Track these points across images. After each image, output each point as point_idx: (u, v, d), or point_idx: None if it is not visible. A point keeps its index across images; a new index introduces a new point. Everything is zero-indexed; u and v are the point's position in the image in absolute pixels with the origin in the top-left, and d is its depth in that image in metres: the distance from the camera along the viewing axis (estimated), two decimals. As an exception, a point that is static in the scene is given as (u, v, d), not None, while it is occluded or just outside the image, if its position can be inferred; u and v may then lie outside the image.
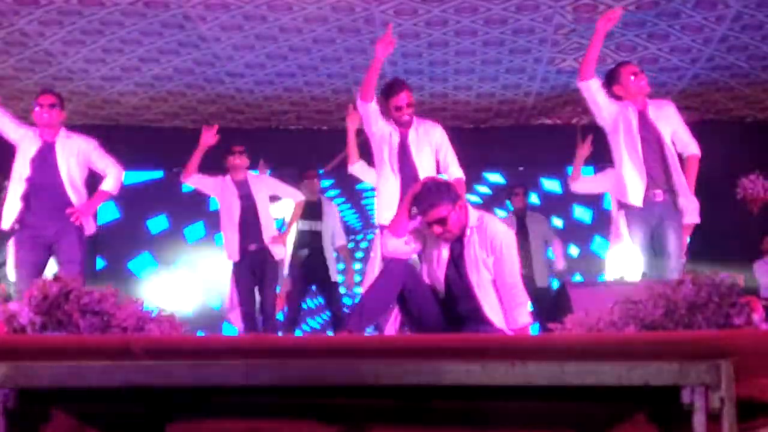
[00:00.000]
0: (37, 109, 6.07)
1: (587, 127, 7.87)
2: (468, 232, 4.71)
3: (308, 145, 9.46)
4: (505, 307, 4.70)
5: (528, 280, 8.23)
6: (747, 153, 8.90)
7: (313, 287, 8.49)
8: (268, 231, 7.41)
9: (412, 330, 4.80)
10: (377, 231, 5.94)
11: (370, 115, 5.74)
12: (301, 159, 8.97)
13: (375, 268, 5.75)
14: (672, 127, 5.69)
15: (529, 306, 4.83)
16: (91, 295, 3.38)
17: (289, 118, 9.88)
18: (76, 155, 6.12)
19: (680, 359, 2.75)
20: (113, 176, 6.24)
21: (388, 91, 5.83)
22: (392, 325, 5.46)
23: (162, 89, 8.94)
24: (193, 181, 7.46)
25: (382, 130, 5.79)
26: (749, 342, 2.93)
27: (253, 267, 7.40)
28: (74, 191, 6.02)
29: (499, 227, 4.80)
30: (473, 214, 4.77)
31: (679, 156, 5.75)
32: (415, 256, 5.10)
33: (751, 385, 2.83)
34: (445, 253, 4.75)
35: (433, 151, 5.82)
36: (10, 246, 6.18)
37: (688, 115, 9.33)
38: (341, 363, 2.83)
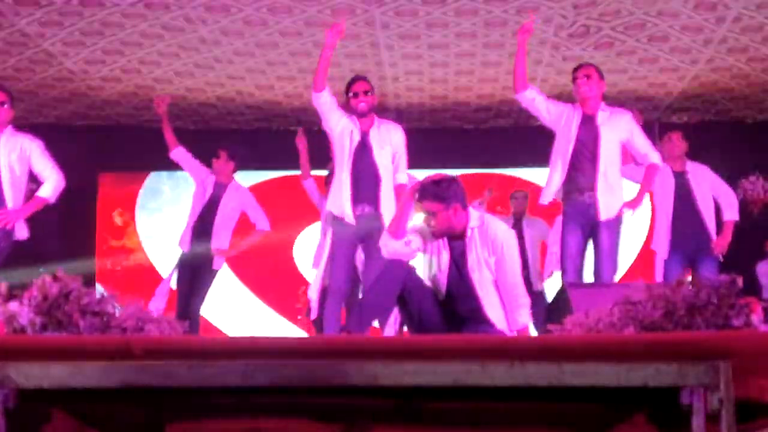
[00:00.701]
0: None
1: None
2: (469, 232, 4.73)
3: (309, 146, 9.45)
4: (505, 307, 4.71)
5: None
6: (747, 154, 8.91)
7: None
8: (218, 240, 7.30)
9: (412, 331, 4.81)
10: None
11: (323, 105, 5.76)
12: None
13: (322, 266, 5.82)
14: (623, 136, 5.75)
15: (528, 306, 4.84)
16: (91, 295, 3.38)
17: (289, 120, 9.89)
18: (18, 153, 5.92)
19: (679, 360, 2.75)
20: (52, 183, 6.00)
21: (348, 83, 5.91)
22: (392, 325, 5.47)
23: (162, 92, 8.96)
24: (178, 155, 7.45)
25: (341, 125, 5.79)
26: (748, 343, 2.94)
27: (192, 267, 7.34)
28: (12, 190, 5.86)
29: (501, 227, 4.82)
30: (474, 214, 4.78)
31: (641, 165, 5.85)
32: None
33: (750, 386, 2.84)
34: (445, 254, 4.76)
35: (393, 152, 5.84)
36: None
37: (689, 116, 9.41)
38: (340, 363, 2.83)
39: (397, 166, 5.88)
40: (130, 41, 7.79)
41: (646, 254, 8.27)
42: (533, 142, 9.90)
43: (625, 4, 7.04)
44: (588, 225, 5.71)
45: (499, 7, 7.03)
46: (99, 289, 7.82)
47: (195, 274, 7.31)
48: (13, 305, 3.31)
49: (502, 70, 8.45)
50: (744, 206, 7.33)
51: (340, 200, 5.72)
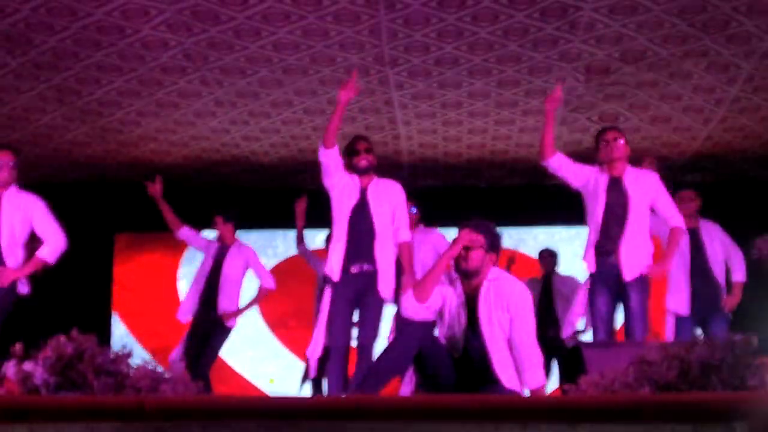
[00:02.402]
0: None
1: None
2: (485, 286, 4.72)
3: (323, 205, 9.48)
4: (519, 368, 4.68)
5: (555, 341, 8.28)
6: (761, 213, 8.91)
7: None
8: (225, 303, 7.33)
9: (427, 390, 4.78)
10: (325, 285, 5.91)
11: (331, 162, 5.76)
12: (316, 217, 8.97)
13: (322, 329, 5.75)
14: (649, 197, 5.76)
15: (542, 366, 4.80)
16: (105, 355, 3.38)
17: (304, 179, 9.93)
18: (22, 212, 5.89)
19: (694, 421, 2.73)
20: (52, 244, 5.96)
21: (349, 142, 5.94)
22: (407, 386, 5.44)
23: (179, 155, 9.05)
24: (184, 235, 7.57)
25: (342, 182, 5.80)
26: (764, 404, 2.92)
27: (205, 331, 7.35)
28: (10, 250, 5.82)
29: (516, 286, 4.80)
30: (492, 271, 4.78)
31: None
32: None
33: (766, 447, 2.82)
34: (462, 313, 4.74)
35: (392, 209, 5.85)
36: None
37: (702, 176, 9.42)
38: (354, 424, 2.82)
39: (399, 222, 5.86)
40: (146, 112, 7.95)
41: (655, 312, 8.24)
42: (546, 201, 9.97)
43: (639, 67, 7.10)
44: (615, 286, 5.70)
45: (511, 67, 7.09)
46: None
47: (206, 337, 7.34)
48: (28, 365, 3.32)
49: (515, 128, 8.50)
50: (759, 264, 7.32)
51: (335, 259, 5.74)
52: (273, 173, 9.81)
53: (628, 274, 5.64)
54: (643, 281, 5.70)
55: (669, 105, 7.93)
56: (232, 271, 7.39)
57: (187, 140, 8.79)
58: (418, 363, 4.68)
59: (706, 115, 8.13)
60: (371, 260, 5.67)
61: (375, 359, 5.02)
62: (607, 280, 5.70)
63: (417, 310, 4.70)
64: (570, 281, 8.73)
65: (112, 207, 9.88)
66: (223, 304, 7.31)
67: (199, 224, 7.77)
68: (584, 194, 5.87)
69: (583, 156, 8.80)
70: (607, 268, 5.68)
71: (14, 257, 5.85)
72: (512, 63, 7.05)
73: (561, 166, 5.83)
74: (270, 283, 7.57)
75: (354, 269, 5.67)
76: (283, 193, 9.52)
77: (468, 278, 4.76)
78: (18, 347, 3.41)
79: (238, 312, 7.45)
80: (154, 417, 2.94)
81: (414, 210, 7.39)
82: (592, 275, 5.80)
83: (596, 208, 5.73)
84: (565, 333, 8.02)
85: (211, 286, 7.35)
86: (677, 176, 9.40)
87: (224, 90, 7.59)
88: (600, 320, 5.71)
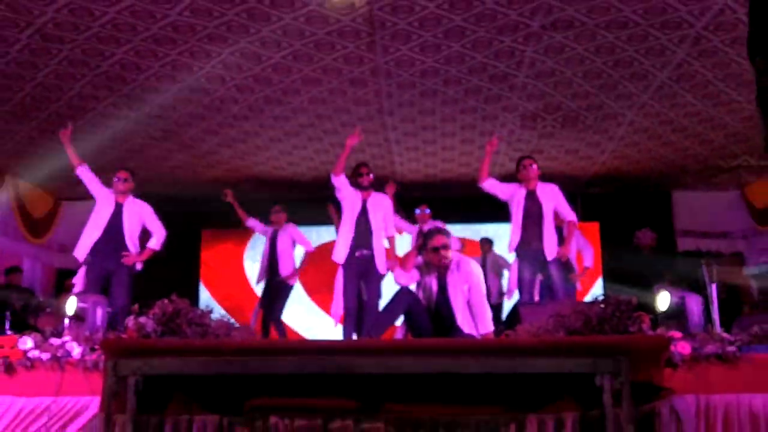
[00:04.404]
0: (115, 180, 5.92)
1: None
2: (451, 266, 4.75)
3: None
4: (475, 320, 4.71)
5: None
6: (642, 214, 8.95)
7: None
8: (284, 269, 7.29)
9: (413, 335, 4.80)
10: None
11: (340, 184, 5.95)
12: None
13: (339, 296, 5.99)
14: (554, 203, 5.80)
15: (491, 318, 4.82)
16: (195, 312, 3.41)
17: (331, 191, 9.84)
18: (138, 217, 5.95)
19: (594, 356, 2.75)
20: (159, 236, 6.01)
21: (355, 167, 6.10)
22: (400, 332, 5.46)
23: (243, 174, 9.01)
24: (250, 223, 7.67)
25: (349, 196, 5.96)
26: (640, 344, 2.94)
27: (273, 291, 7.33)
28: (131, 243, 5.86)
29: (473, 265, 4.84)
30: (454, 254, 4.82)
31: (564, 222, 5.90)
32: None
33: (641, 372, 2.84)
34: (435, 283, 4.77)
35: (383, 214, 6.03)
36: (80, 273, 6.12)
37: (600, 189, 9.41)
38: (364, 358, 2.84)
39: (387, 224, 6.05)
40: (223, 144, 7.88)
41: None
42: (497, 206, 9.95)
43: (556, 117, 7.10)
44: (538, 264, 5.73)
45: (472, 97, 6.87)
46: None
47: (275, 293, 7.32)
48: (143, 319, 3.35)
49: (473, 158, 8.46)
50: (637, 250, 7.37)
51: (342, 248, 5.86)
52: (309, 187, 9.77)
53: (549, 255, 5.69)
54: (558, 260, 5.74)
55: (577, 142, 7.94)
56: (284, 246, 7.39)
57: (251, 165, 8.78)
58: (407, 317, 4.71)
59: (602, 148, 8.14)
60: (369, 248, 5.87)
61: (377, 313, 5.06)
62: (531, 261, 5.75)
63: (404, 277, 4.78)
64: (501, 259, 8.65)
65: (199, 209, 9.82)
66: (283, 270, 7.30)
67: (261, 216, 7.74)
68: (509, 204, 5.91)
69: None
70: (531, 253, 5.72)
71: (134, 246, 5.90)
72: (473, 94, 6.82)
73: (492, 186, 5.91)
74: (310, 247, 7.57)
75: (358, 254, 5.80)
76: (315, 201, 9.50)
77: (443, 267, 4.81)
78: (135, 307, 3.45)
79: (295, 273, 7.40)
80: (228, 354, 2.96)
81: (428, 211, 7.54)
82: (520, 257, 5.84)
83: (518, 213, 5.79)
84: (508, 297, 7.94)
85: (272, 258, 7.36)
86: (583, 188, 9.43)
87: (275, 131, 7.60)
88: (525, 288, 5.75)
